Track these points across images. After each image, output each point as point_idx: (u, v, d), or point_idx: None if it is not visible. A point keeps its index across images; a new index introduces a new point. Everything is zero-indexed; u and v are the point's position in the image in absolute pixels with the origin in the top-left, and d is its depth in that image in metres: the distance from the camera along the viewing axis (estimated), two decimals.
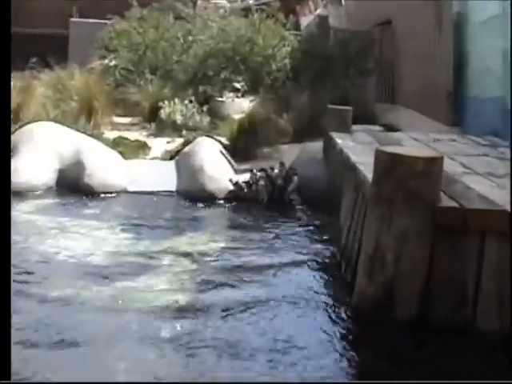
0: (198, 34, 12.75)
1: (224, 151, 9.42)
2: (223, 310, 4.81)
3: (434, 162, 4.58)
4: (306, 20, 17.51)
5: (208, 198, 8.44)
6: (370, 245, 4.67)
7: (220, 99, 12.25)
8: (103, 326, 4.44)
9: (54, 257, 5.90)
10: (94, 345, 4.16)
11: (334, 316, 4.82)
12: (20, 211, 7.28)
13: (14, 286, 4.61)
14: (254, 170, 8.65)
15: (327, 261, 6.11)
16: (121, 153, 9.41)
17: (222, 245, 6.58)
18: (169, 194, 8.69)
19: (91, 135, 9.49)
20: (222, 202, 8.51)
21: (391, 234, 4.53)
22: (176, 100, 11.15)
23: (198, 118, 11.05)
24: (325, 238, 6.84)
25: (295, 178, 8.59)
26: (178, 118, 10.89)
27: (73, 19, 16.01)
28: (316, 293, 5.27)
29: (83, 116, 10.22)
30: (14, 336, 3.91)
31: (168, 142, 10.32)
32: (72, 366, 3.88)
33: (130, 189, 8.70)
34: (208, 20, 13.27)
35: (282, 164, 8.79)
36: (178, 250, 6.27)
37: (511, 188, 4.87)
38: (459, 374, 3.95)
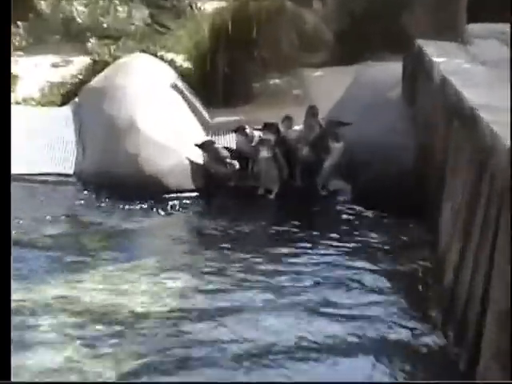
0: None
1: (183, 87, 6.74)
2: None
3: None
4: None
5: (150, 192, 5.83)
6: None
7: None
8: None
9: None
10: None
11: None
12: None
13: None
14: (249, 129, 6.07)
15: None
16: None
17: None
18: (60, 179, 6.28)
19: None
20: (180, 199, 5.82)
21: None
22: None
23: (122, 10, 8.29)
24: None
25: (338, 146, 5.88)
26: (80, 11, 8.22)
27: None
28: None
29: None
30: None
31: (54, 66, 7.73)
32: None
33: None
34: None
35: (311, 112, 6.06)
36: None
37: (511, 189, 3.81)
38: None
